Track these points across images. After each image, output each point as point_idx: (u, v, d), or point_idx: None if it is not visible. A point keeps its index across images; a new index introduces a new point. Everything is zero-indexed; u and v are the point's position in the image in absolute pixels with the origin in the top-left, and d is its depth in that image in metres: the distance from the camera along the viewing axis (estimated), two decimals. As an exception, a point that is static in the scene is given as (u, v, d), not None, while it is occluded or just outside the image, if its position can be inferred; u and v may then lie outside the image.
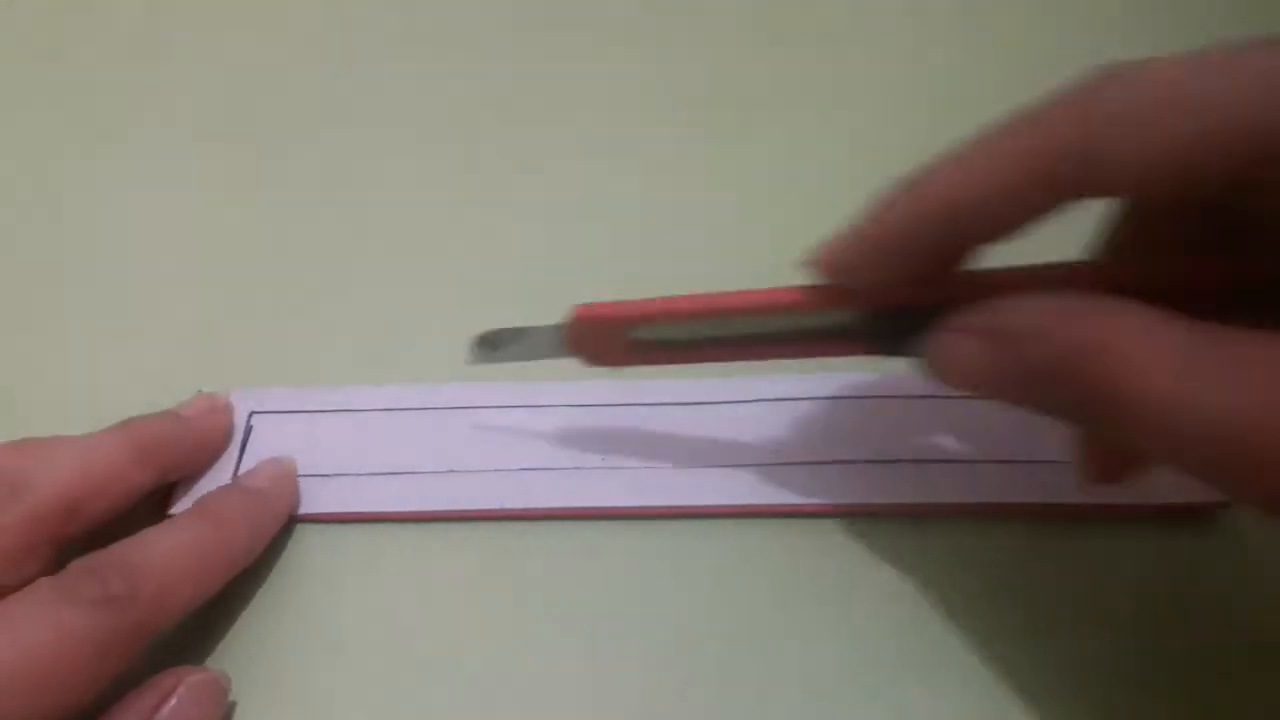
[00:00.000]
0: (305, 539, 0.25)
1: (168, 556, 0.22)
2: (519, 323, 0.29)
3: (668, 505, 0.25)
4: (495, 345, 0.24)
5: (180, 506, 0.26)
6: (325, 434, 0.27)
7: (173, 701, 0.21)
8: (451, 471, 0.26)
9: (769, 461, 0.26)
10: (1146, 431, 0.16)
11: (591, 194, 0.33)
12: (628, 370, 0.28)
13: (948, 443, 0.26)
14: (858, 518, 0.25)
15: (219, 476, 0.26)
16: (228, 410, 0.27)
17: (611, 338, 0.23)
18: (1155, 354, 0.16)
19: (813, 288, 0.20)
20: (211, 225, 0.33)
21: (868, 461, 0.26)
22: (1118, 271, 0.19)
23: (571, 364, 0.28)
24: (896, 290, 0.19)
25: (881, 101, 0.34)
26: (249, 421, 0.28)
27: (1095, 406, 0.17)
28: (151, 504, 0.25)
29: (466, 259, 0.31)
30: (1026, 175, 0.17)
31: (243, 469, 0.27)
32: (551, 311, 0.29)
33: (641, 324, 0.22)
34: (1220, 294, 0.18)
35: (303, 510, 0.26)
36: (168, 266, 0.32)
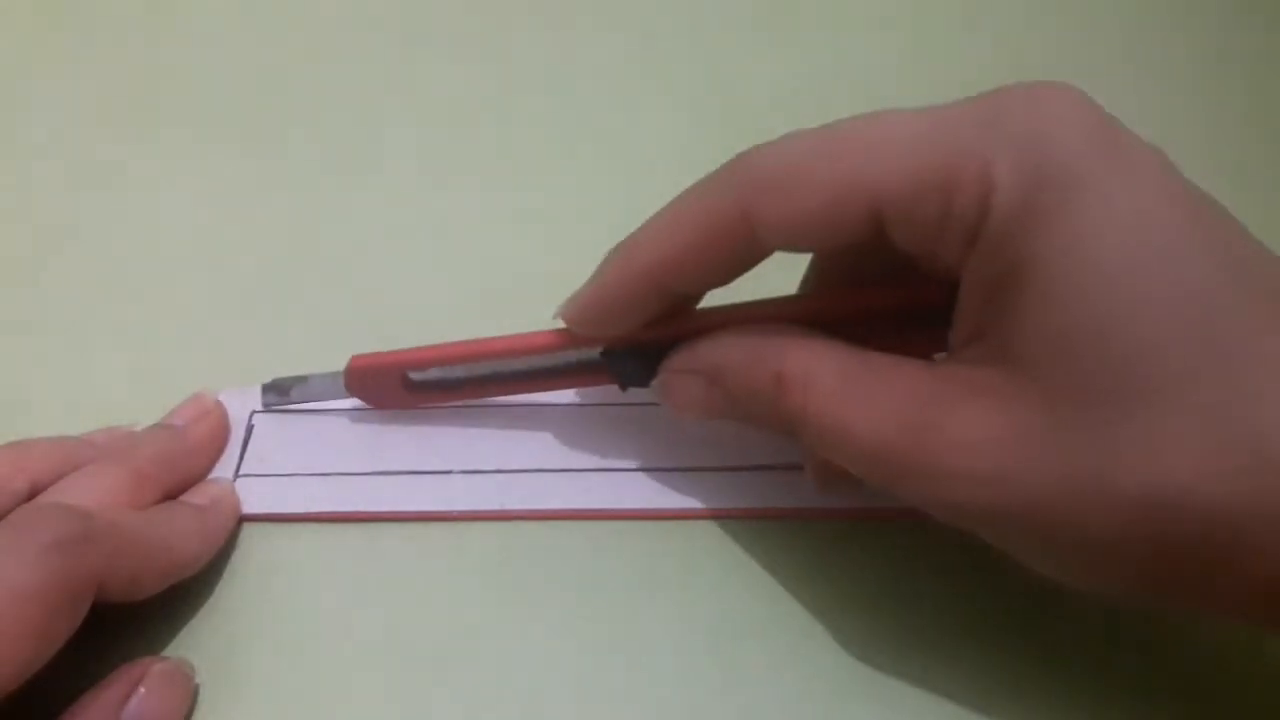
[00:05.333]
0: (304, 538, 0.25)
1: (113, 502, 0.22)
2: (521, 322, 0.29)
3: (669, 509, 0.25)
4: (283, 391, 0.27)
5: None
6: (326, 433, 0.27)
7: (141, 691, 0.21)
8: (451, 472, 0.26)
9: (767, 464, 0.26)
10: (820, 445, 0.20)
11: (594, 192, 0.33)
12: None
13: None
14: (859, 521, 0.25)
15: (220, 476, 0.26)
16: (219, 411, 0.27)
17: (388, 382, 0.26)
18: (819, 381, 0.20)
19: (557, 331, 0.23)
20: (213, 224, 0.33)
21: None
22: (808, 305, 0.22)
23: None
24: (627, 335, 0.23)
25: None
26: (251, 420, 0.28)
27: (787, 426, 0.21)
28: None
29: (468, 257, 0.31)
30: (706, 238, 0.20)
31: (244, 467, 0.27)
32: (552, 307, 0.30)
33: (413, 368, 0.25)
34: (899, 316, 0.21)
35: (302, 509, 0.26)
36: (168, 264, 0.32)
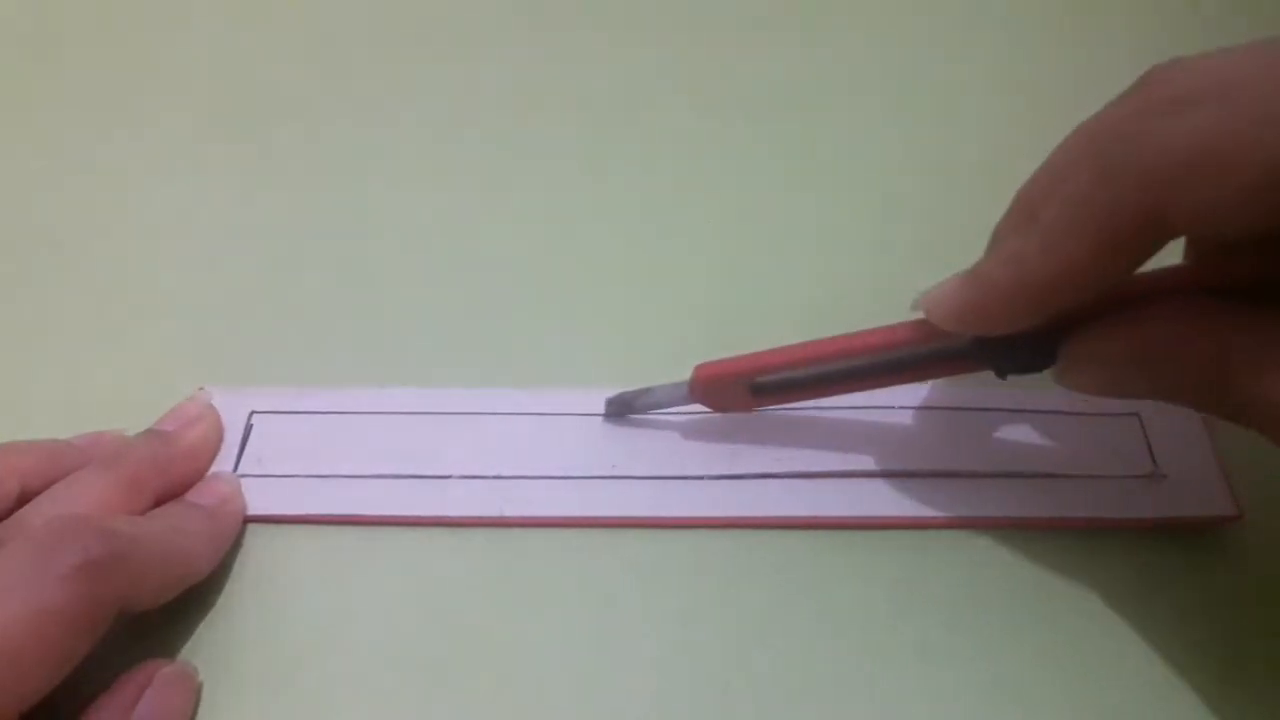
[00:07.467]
0: (301, 540, 0.25)
1: (143, 526, 0.22)
2: (523, 326, 0.29)
3: (672, 516, 0.25)
4: (627, 403, 0.26)
5: None
6: (325, 435, 0.27)
7: (149, 695, 0.21)
8: (450, 477, 0.26)
9: (769, 474, 0.26)
10: (1276, 431, 0.18)
11: (595, 193, 0.33)
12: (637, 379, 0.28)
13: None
14: (859, 529, 0.25)
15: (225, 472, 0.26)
16: (212, 415, 0.27)
17: (734, 389, 0.25)
18: (1274, 366, 0.18)
19: (919, 324, 0.21)
20: (213, 224, 0.33)
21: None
22: (1211, 272, 0.20)
23: (580, 369, 0.28)
24: None
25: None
26: (249, 420, 0.27)
27: (1226, 409, 0.19)
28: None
29: (471, 259, 0.31)
30: (1111, 242, 0.18)
31: (242, 468, 0.26)
32: (555, 311, 0.30)
33: (760, 375, 0.24)
34: None
35: (300, 511, 0.26)
36: (169, 264, 0.32)
